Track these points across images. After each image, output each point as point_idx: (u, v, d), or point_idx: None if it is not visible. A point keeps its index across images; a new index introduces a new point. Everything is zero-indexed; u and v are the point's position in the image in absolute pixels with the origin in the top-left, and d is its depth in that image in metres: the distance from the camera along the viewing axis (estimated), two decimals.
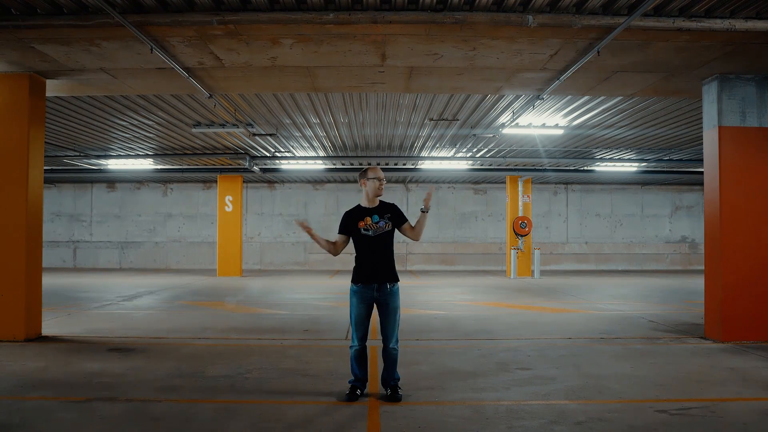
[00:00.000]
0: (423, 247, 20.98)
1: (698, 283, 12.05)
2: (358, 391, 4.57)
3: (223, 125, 10.94)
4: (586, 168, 16.41)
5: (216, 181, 18.39)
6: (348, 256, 4.72)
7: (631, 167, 16.11)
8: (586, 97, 8.94)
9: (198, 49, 6.24)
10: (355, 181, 20.35)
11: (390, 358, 4.59)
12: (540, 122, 10.82)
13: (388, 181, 20.36)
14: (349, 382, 4.63)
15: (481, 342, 6.95)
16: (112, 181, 20.49)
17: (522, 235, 17.41)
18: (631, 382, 5.07)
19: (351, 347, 4.63)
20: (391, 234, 4.58)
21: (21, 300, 6.90)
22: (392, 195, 20.73)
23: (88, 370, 5.45)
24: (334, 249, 4.60)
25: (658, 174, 16.99)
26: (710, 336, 7.10)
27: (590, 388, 4.88)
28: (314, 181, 20.40)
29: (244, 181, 18.45)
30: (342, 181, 20.64)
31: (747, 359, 5.98)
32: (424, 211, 4.62)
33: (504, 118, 10.57)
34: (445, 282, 15.62)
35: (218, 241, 17.43)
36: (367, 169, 4.67)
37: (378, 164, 16.35)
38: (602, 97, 8.88)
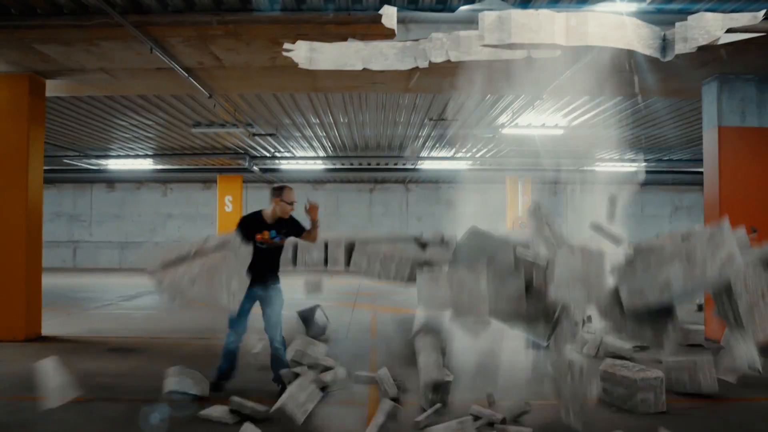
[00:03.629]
0: None
1: None
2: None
3: (222, 125, 10.94)
4: (585, 168, 16.40)
5: (216, 181, 18.39)
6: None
7: (630, 167, 16.10)
8: (585, 97, 8.94)
9: (198, 49, 6.24)
10: (355, 181, 20.35)
11: (277, 354, 4.86)
12: (540, 122, 10.82)
13: (388, 181, 20.37)
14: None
15: None
16: (112, 181, 20.48)
17: None
18: None
19: (227, 340, 4.85)
20: (281, 247, 4.90)
21: (21, 300, 6.90)
22: (392, 195, 20.74)
23: (88, 370, 5.45)
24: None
25: (658, 174, 16.99)
26: (711, 336, 7.10)
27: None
28: (314, 181, 20.39)
29: (243, 181, 18.43)
30: (342, 181, 20.64)
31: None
32: (314, 226, 4.91)
33: (504, 118, 10.57)
34: None
35: None
36: (283, 189, 4.81)
37: (378, 164, 16.34)
38: (602, 97, 8.87)
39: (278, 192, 4.82)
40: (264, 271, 4.78)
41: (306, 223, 4.95)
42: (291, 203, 4.84)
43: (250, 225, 4.78)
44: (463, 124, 11.02)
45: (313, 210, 4.87)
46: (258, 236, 4.74)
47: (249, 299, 4.75)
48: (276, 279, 4.95)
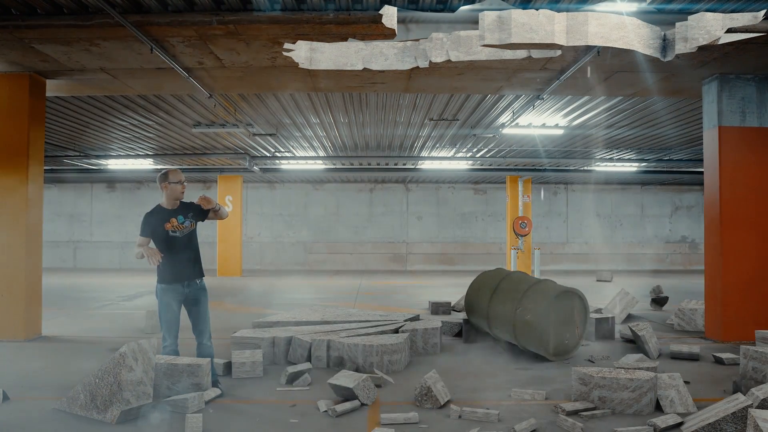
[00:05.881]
0: (423, 247, 20.98)
1: (698, 283, 12.05)
2: None
3: (223, 125, 10.95)
4: (586, 168, 16.42)
5: (216, 181, 18.40)
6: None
7: (631, 167, 16.11)
8: (586, 97, 8.94)
9: (198, 49, 6.25)
10: (355, 181, 20.36)
11: (206, 353, 4.74)
12: (540, 122, 10.82)
13: (388, 181, 20.38)
14: None
15: None
16: (112, 181, 20.49)
17: (522, 235, 17.41)
18: None
19: (164, 347, 4.65)
20: (195, 231, 4.79)
21: (21, 300, 6.91)
22: (392, 195, 20.73)
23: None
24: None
25: (658, 174, 16.99)
26: (710, 336, 7.10)
27: None
28: (314, 181, 20.41)
29: (244, 181, 18.45)
30: (342, 181, 20.65)
31: None
32: (216, 210, 4.81)
33: (504, 118, 10.57)
34: (445, 282, 15.60)
35: (218, 241, 17.43)
36: (167, 173, 4.70)
37: (378, 164, 16.36)
38: (602, 97, 8.88)
39: (164, 177, 4.68)
40: (186, 266, 4.67)
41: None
42: (179, 182, 4.68)
43: (154, 219, 4.64)
44: (463, 124, 11.03)
45: (204, 201, 4.69)
46: (167, 225, 4.62)
47: (175, 299, 4.65)
48: (200, 274, 4.82)
